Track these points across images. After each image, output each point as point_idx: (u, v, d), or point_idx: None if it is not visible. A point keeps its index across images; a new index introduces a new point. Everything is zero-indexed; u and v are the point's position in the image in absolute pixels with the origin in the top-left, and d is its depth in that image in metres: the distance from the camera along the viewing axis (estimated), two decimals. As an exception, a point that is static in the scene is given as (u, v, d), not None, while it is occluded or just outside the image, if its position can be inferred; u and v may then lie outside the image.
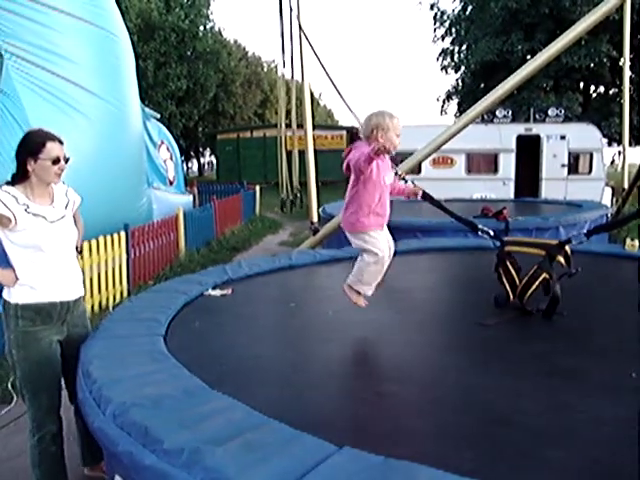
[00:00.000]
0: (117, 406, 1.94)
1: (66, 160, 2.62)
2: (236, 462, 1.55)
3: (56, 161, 2.55)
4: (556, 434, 1.87)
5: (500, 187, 13.63)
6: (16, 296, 2.56)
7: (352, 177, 2.85)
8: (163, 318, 3.00)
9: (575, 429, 1.91)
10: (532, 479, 1.61)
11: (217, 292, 3.74)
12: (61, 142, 2.60)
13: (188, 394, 2.01)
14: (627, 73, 11.59)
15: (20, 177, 2.55)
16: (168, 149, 11.66)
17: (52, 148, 2.54)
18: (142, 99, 10.41)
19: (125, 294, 6.74)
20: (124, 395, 2.01)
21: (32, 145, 2.53)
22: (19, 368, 2.60)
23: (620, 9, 10.44)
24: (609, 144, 20.25)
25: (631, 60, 14.05)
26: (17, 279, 2.54)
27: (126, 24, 9.14)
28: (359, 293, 3.00)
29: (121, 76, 8.23)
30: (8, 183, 2.56)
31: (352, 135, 27.84)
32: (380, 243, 2.88)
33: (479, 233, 3.55)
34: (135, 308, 3.20)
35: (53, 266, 2.61)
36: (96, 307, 6.28)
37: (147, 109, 11.41)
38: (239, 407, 1.89)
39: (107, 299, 6.48)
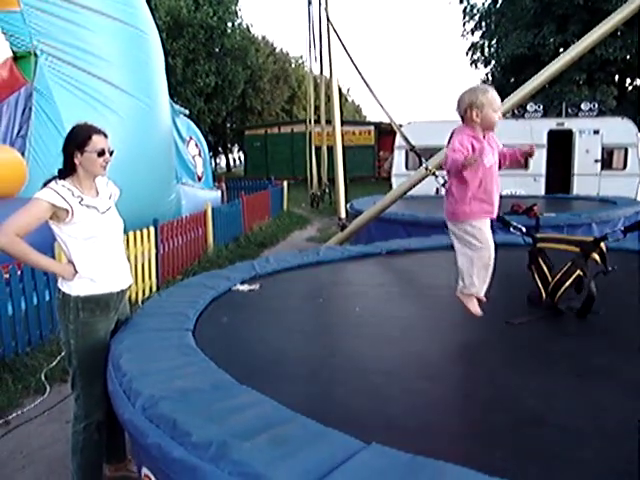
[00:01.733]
0: (146, 399, 1.96)
1: (110, 153, 2.67)
2: (264, 456, 1.55)
3: (101, 153, 2.61)
4: (587, 434, 1.83)
5: (531, 183, 13.39)
6: (77, 288, 2.61)
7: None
8: (192, 313, 3.03)
9: (606, 429, 1.86)
10: (564, 478, 1.57)
11: (245, 287, 3.75)
12: (105, 135, 2.67)
13: (216, 388, 2.02)
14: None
15: (68, 170, 2.62)
16: (197, 145, 11.76)
17: (98, 141, 2.60)
18: (171, 96, 10.52)
19: (154, 289, 6.83)
20: (153, 388, 2.03)
21: (79, 138, 2.59)
22: (76, 357, 2.66)
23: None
24: (645, 139, 19.71)
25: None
26: (76, 272, 2.60)
27: (155, 22, 9.24)
28: (472, 295, 2.77)
29: (151, 73, 8.34)
30: (55, 178, 2.62)
31: (380, 131, 27.72)
32: (484, 234, 2.65)
33: (511, 229, 3.48)
34: (164, 302, 3.23)
35: (108, 257, 2.69)
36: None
37: (176, 106, 11.52)
38: (267, 402, 1.89)
39: (136, 293, 6.57)
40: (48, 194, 2.49)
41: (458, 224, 2.66)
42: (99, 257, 2.64)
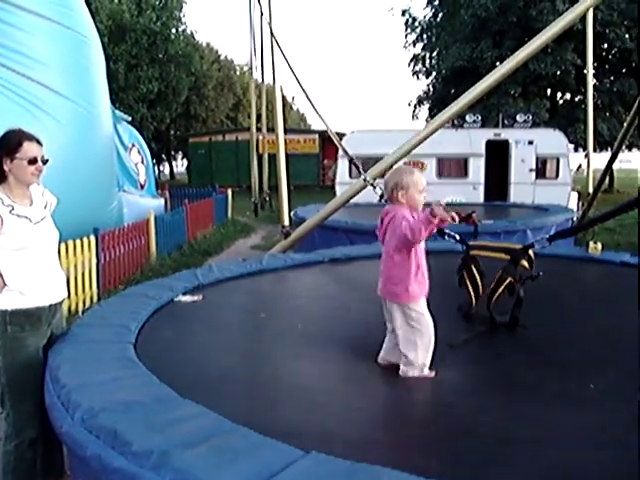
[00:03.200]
0: (86, 410, 1.94)
1: (45, 161, 2.59)
2: (204, 464, 1.57)
3: (33, 161, 2.53)
4: (518, 443, 1.92)
5: (470, 191, 13.85)
6: (5, 302, 2.50)
7: (389, 245, 2.61)
8: (133, 325, 2.99)
9: (536, 438, 1.96)
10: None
11: (187, 298, 3.73)
12: (39, 142, 2.58)
13: (158, 401, 2.02)
14: (590, 81, 11.92)
15: None
16: (139, 152, 11.55)
17: (29, 148, 2.52)
18: (113, 102, 10.30)
19: (95, 299, 6.66)
20: (93, 400, 2.01)
21: (9, 144, 2.50)
22: (4, 374, 2.55)
23: (583, 19, 10.76)
24: (575, 150, 20.71)
25: (595, 68, 14.46)
26: (4, 285, 2.49)
27: (96, 25, 9.05)
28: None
29: (91, 78, 8.15)
30: None
31: (324, 139, 27.98)
32: (427, 314, 2.61)
33: (445, 237, 3.62)
34: (105, 313, 3.18)
35: (40, 268, 2.59)
36: (65, 312, 6.18)
37: (118, 112, 11.28)
38: (208, 414, 1.91)
39: (76, 304, 6.40)
40: None
41: (402, 306, 2.59)
42: (30, 269, 2.54)
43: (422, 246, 2.61)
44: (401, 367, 2.60)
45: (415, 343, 2.56)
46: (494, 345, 3.10)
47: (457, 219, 2.37)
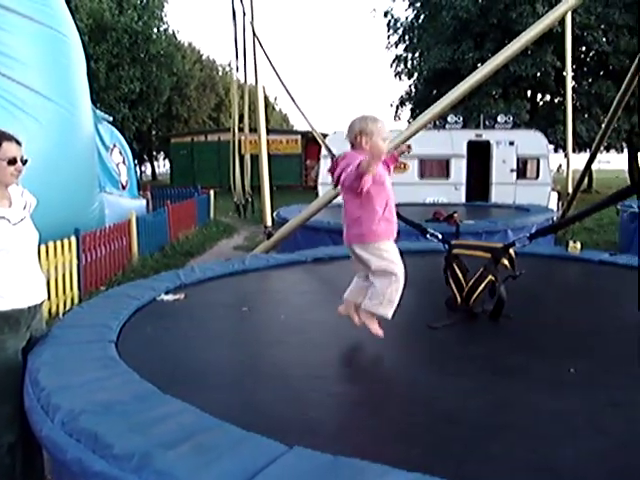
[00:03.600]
0: (66, 413, 1.91)
1: (24, 161, 2.56)
2: (187, 464, 1.56)
3: (12, 162, 2.49)
4: (499, 429, 1.95)
5: (452, 191, 13.95)
6: None
7: (346, 191, 2.65)
8: (114, 324, 2.96)
9: (516, 423, 1.99)
10: (476, 471, 1.67)
11: (170, 297, 3.71)
12: (18, 143, 2.55)
13: (139, 399, 2.00)
14: (569, 83, 12.06)
15: None
16: (121, 153, 11.46)
17: (8, 148, 2.48)
18: (93, 101, 10.21)
19: (76, 300, 6.60)
20: (74, 402, 1.98)
21: None
22: None
23: (562, 22, 10.89)
24: (555, 150, 20.99)
25: (573, 71, 14.67)
26: None
27: (76, 24, 8.96)
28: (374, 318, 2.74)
29: (71, 77, 8.07)
30: None
31: (307, 140, 27.99)
32: (396, 255, 2.64)
33: (428, 236, 3.65)
34: (86, 314, 3.15)
35: (19, 270, 2.54)
36: (46, 314, 6.11)
37: (99, 112, 11.19)
38: (190, 410, 1.90)
39: (57, 306, 6.33)
40: None
41: (369, 246, 2.61)
42: (9, 271, 2.50)
43: (389, 186, 2.64)
44: (365, 300, 2.67)
45: (390, 282, 2.60)
46: (475, 331, 3.16)
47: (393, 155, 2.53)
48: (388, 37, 27.29)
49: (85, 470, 1.69)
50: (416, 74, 26.12)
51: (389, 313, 2.67)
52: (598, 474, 1.67)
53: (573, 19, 13.57)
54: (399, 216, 3.94)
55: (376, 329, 2.72)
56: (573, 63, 13.64)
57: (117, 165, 11.04)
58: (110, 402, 1.97)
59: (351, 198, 2.62)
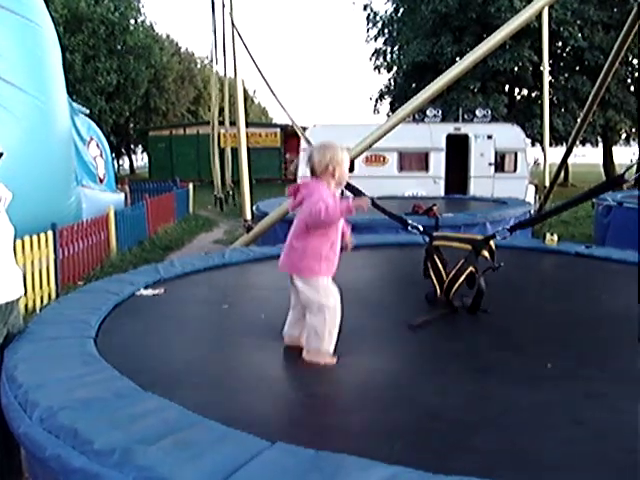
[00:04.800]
0: (44, 410, 1.89)
1: None
2: (169, 459, 1.55)
3: None
4: (478, 423, 1.97)
5: (431, 185, 14.03)
6: None
7: (300, 220, 2.60)
8: (93, 320, 2.93)
9: (495, 417, 2.01)
10: (457, 465, 1.68)
11: (149, 292, 3.68)
12: None
13: (119, 396, 1.98)
14: (546, 78, 12.21)
15: None
16: (98, 146, 11.30)
17: None
18: (69, 94, 10.04)
19: (53, 296, 6.51)
20: (52, 398, 1.96)
21: None
22: None
23: (539, 17, 11.00)
24: (532, 144, 21.22)
25: (550, 65, 14.84)
26: None
27: (50, 14, 8.77)
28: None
29: (46, 68, 7.91)
30: None
31: (287, 133, 27.91)
32: (333, 289, 2.63)
33: (409, 229, 3.67)
34: (64, 309, 3.11)
35: None
36: (22, 310, 6.02)
37: (75, 104, 11.00)
38: (171, 407, 1.89)
39: (34, 301, 6.24)
40: None
41: (309, 280, 2.59)
42: None
43: (340, 224, 2.65)
44: (304, 353, 2.62)
45: (325, 320, 2.56)
46: (455, 327, 3.17)
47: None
48: (367, 30, 27.29)
49: (64, 467, 1.67)
50: (395, 68, 26.15)
51: (331, 348, 2.61)
52: (576, 464, 1.70)
53: (550, 14, 13.73)
54: (380, 209, 3.99)
55: (328, 360, 2.59)
56: (550, 58, 13.78)
57: (94, 158, 10.88)
58: (90, 399, 1.95)
59: (298, 227, 2.61)
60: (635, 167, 2.93)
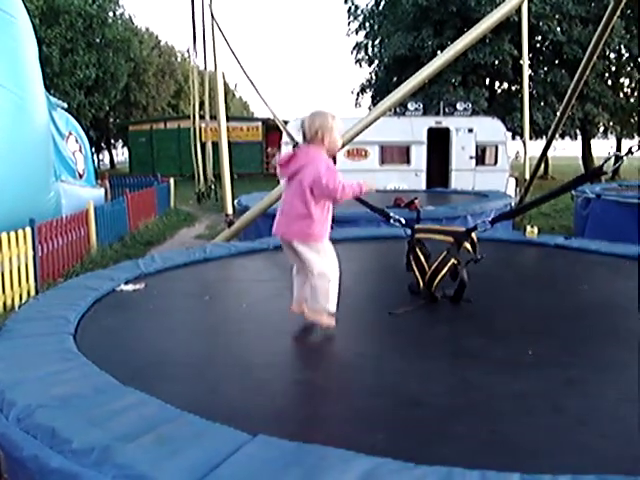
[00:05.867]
0: (22, 409, 1.85)
1: None
2: (148, 457, 1.53)
3: None
4: (460, 410, 1.98)
5: (412, 178, 14.08)
6: None
7: (305, 187, 2.60)
8: (72, 316, 2.89)
9: (477, 405, 2.03)
10: (439, 453, 1.69)
11: (129, 287, 3.64)
12: None
13: (99, 392, 1.96)
14: (526, 71, 12.29)
15: None
16: (77, 140, 11.13)
17: None
18: (47, 87, 9.87)
19: (32, 293, 6.41)
20: (29, 397, 1.92)
21: None
22: None
23: (519, 11, 11.07)
24: (513, 137, 21.39)
25: (530, 59, 14.94)
26: None
27: (26, 6, 8.60)
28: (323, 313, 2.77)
29: (21, 61, 7.76)
30: None
31: (268, 127, 27.78)
32: (333, 252, 2.74)
33: (391, 221, 3.67)
34: (42, 306, 3.05)
35: None
36: (0, 308, 5.94)
37: (53, 98, 10.82)
38: (151, 402, 1.87)
39: (12, 299, 6.15)
40: None
41: (313, 246, 2.67)
42: None
43: None
44: (306, 312, 2.76)
45: (329, 280, 2.69)
46: (437, 316, 3.19)
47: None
48: (348, 24, 27.23)
49: (42, 467, 1.63)
50: (377, 61, 26.17)
51: (333, 308, 2.76)
52: (556, 450, 1.71)
53: (529, 8, 13.80)
54: (362, 202, 3.98)
55: (327, 321, 2.76)
56: (529, 52, 13.93)
57: (73, 153, 10.73)
58: (68, 396, 1.92)
59: (301, 193, 2.62)
60: (613, 159, 2.95)
